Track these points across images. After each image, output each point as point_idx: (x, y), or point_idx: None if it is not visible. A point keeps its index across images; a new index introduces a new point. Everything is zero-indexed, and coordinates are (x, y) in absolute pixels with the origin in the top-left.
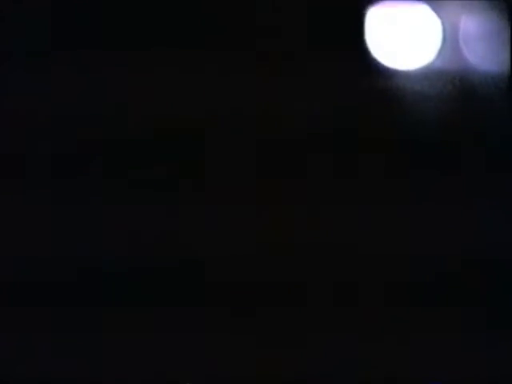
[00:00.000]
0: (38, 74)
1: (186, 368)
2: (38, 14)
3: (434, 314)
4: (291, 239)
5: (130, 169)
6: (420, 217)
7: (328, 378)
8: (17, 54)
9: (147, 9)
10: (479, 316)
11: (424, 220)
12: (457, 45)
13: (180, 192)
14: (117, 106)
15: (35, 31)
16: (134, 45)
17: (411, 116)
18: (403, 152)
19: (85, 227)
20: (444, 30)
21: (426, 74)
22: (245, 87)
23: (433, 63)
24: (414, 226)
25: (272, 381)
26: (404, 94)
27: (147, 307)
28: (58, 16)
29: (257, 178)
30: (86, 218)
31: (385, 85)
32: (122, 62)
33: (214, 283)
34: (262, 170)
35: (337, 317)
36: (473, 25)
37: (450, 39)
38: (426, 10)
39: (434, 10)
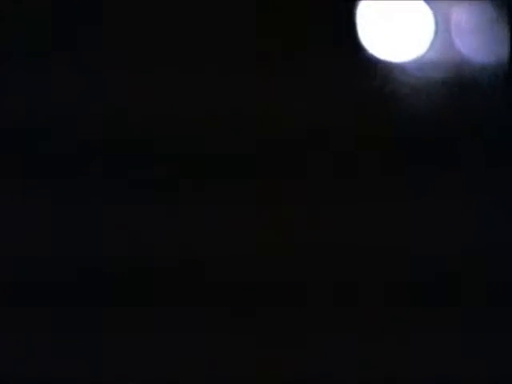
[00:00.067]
0: (38, 73)
1: (186, 368)
2: (38, 14)
3: (434, 314)
4: (291, 239)
5: (130, 169)
6: (420, 216)
7: (328, 378)
8: (17, 53)
9: (147, 9)
10: (479, 316)
11: (424, 220)
12: (449, 36)
13: (180, 192)
14: (117, 106)
15: (35, 31)
16: (134, 45)
17: (406, 109)
18: (400, 148)
19: (85, 227)
20: (436, 22)
21: (418, 66)
22: (245, 87)
23: (425, 55)
24: (415, 225)
25: (272, 381)
26: (397, 87)
27: (147, 307)
28: (58, 16)
29: (257, 178)
30: (86, 218)
31: (379, 78)
32: (121, 62)
33: (213, 283)
34: (261, 170)
35: (337, 317)
36: (465, 16)
37: (443, 31)
38: (418, 1)
39: (426, 1)
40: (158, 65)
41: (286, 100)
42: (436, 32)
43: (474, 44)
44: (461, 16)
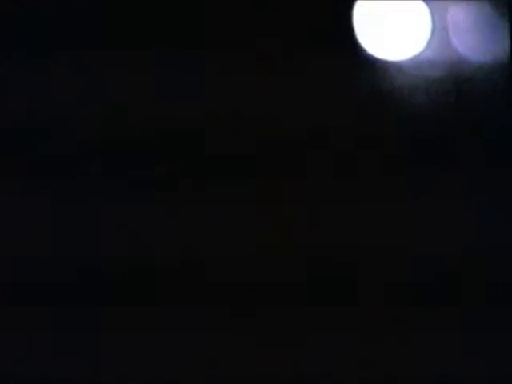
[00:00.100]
0: (38, 73)
1: (186, 368)
2: (38, 14)
3: (434, 314)
4: (291, 239)
5: (130, 169)
6: (420, 217)
7: (328, 378)
8: (17, 54)
9: (147, 9)
10: (479, 316)
11: (424, 220)
12: (446, 35)
13: (180, 192)
14: (117, 106)
15: (35, 31)
16: (134, 45)
17: (404, 108)
18: (399, 147)
19: (85, 227)
20: (433, 21)
21: (415, 65)
22: (245, 87)
23: (422, 53)
24: (415, 225)
25: (272, 381)
26: (395, 85)
27: (147, 307)
28: (58, 16)
29: (257, 178)
30: (86, 218)
31: (376, 77)
32: (122, 62)
33: (213, 283)
34: (261, 170)
35: (337, 317)
36: (462, 15)
37: (440, 29)
38: (415, 0)
39: (424, 0)
40: (158, 65)
41: (286, 100)
42: (433, 31)
43: (471, 43)
44: (458, 15)
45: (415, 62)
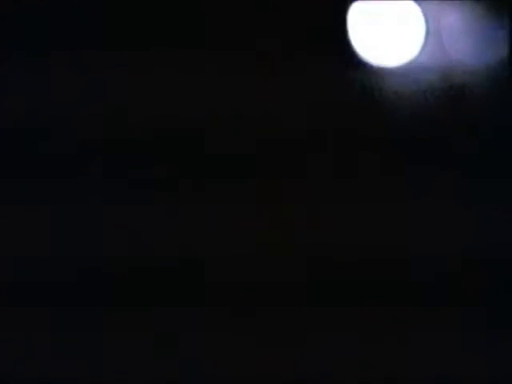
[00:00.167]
0: (38, 73)
1: (186, 368)
2: (38, 14)
3: (434, 314)
4: (291, 239)
5: (130, 169)
6: (420, 217)
7: (328, 378)
8: (17, 54)
9: (147, 9)
10: (479, 316)
11: (424, 220)
12: (440, 40)
13: (180, 192)
14: (117, 106)
15: (35, 31)
16: (134, 45)
17: (398, 113)
18: (399, 147)
19: (85, 227)
20: (427, 26)
21: (409, 70)
22: (245, 87)
23: (416, 59)
24: (415, 226)
25: (272, 381)
26: (389, 90)
27: (147, 307)
28: (58, 16)
29: (257, 178)
30: (86, 218)
31: (371, 82)
32: (122, 62)
33: (213, 283)
34: (261, 170)
35: (337, 317)
36: (456, 20)
37: (434, 35)
38: (408, 5)
39: (417, 5)
40: (158, 65)
41: (286, 100)
42: (427, 36)
43: (465, 48)
44: (452, 20)
45: (409, 67)
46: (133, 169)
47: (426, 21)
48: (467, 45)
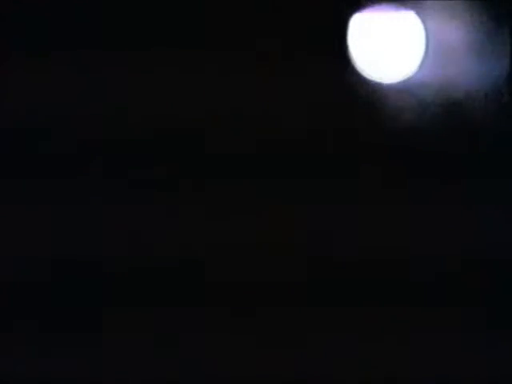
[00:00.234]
0: (38, 73)
1: (186, 368)
2: (38, 14)
3: (434, 314)
4: (291, 239)
5: (130, 169)
6: (420, 217)
7: (328, 378)
8: (17, 54)
9: (147, 9)
10: (479, 316)
11: (424, 220)
12: (439, 56)
13: (180, 192)
14: (117, 106)
15: (35, 31)
16: (134, 45)
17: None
18: (398, 150)
19: (85, 227)
20: (427, 42)
21: (408, 86)
22: (245, 87)
23: (415, 75)
24: (415, 226)
25: (272, 381)
26: (388, 107)
27: (147, 307)
28: (58, 16)
29: (257, 178)
30: (86, 218)
31: (369, 98)
32: (122, 62)
33: (213, 283)
34: (261, 170)
35: (337, 317)
36: (455, 36)
37: (433, 51)
38: (408, 20)
39: (417, 20)
40: (158, 65)
41: (286, 100)
42: (426, 52)
43: (464, 64)
44: (451, 36)
45: (408, 83)
46: (133, 169)
47: (426, 36)
48: (466, 61)
